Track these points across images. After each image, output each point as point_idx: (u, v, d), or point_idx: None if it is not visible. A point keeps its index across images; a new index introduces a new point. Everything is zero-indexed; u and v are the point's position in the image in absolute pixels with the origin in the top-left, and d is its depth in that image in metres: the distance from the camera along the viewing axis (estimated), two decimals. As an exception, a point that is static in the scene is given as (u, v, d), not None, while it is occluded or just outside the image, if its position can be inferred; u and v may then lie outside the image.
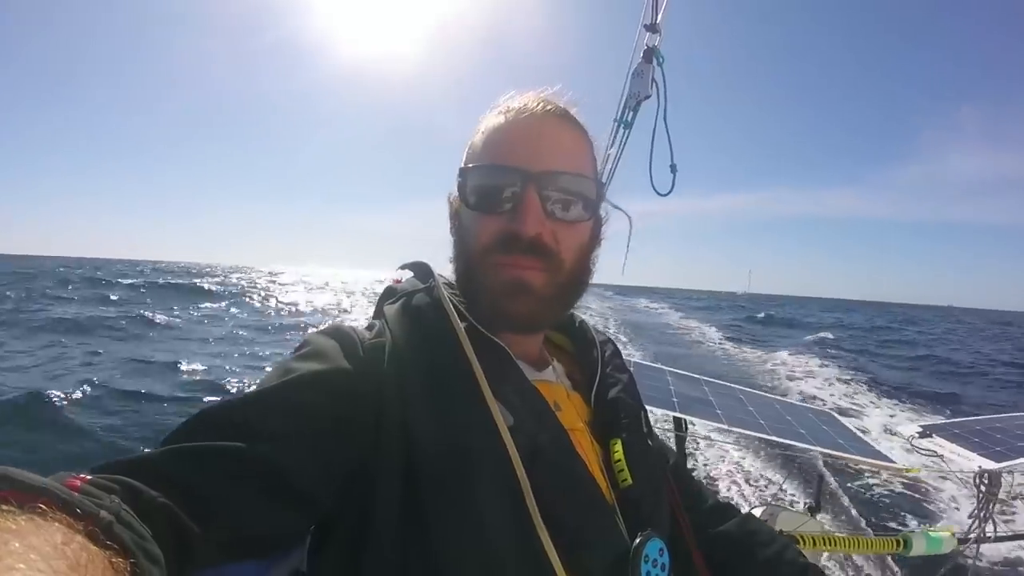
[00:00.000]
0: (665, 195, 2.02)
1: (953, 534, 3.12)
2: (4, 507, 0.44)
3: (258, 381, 0.82)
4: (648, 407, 1.12)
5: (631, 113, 2.13)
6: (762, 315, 52.97)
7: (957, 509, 7.36)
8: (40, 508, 0.46)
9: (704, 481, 7.92)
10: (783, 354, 22.99)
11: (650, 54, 2.09)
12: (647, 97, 2.11)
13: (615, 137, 2.14)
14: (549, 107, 0.94)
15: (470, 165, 0.93)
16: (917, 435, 4.32)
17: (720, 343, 27.14)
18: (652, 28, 2.11)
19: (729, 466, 8.48)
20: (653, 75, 2.08)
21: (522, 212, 0.87)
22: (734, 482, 7.97)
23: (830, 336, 33.07)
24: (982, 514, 3.48)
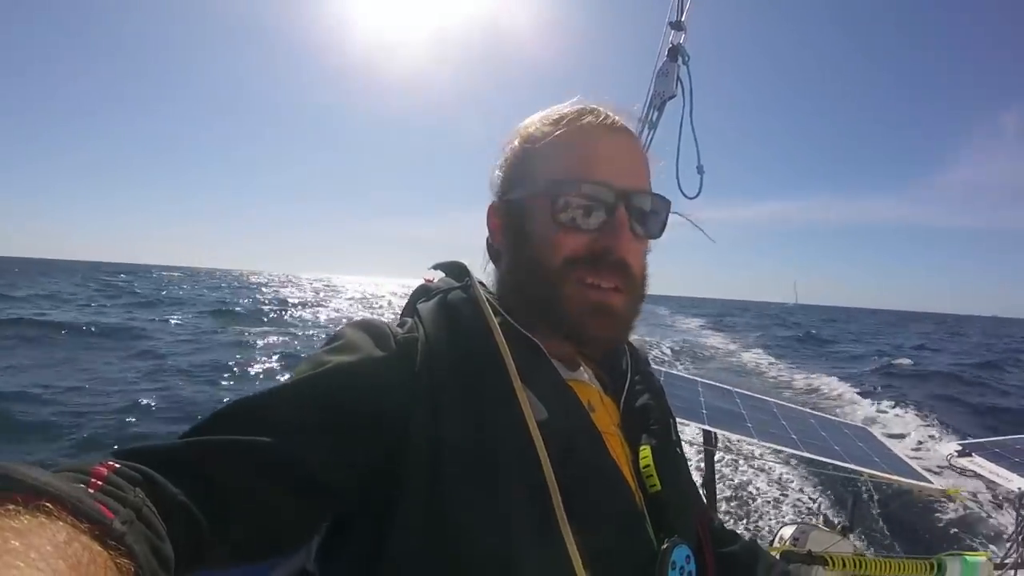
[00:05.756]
0: (692, 198, 1.96)
1: (990, 559, 2.99)
2: (10, 506, 0.44)
3: (289, 374, 0.82)
4: (676, 418, 1.12)
5: (656, 113, 2.09)
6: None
7: (995, 533, 7.13)
8: (46, 506, 0.45)
9: (733, 496, 7.79)
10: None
11: (675, 52, 2.05)
12: (672, 97, 2.07)
13: (640, 138, 2.09)
14: (618, 123, 0.95)
15: (557, 176, 0.91)
16: (956, 454, 4.18)
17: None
18: (677, 26, 2.07)
19: (760, 482, 8.34)
20: (678, 74, 2.04)
21: (616, 230, 0.88)
22: (765, 498, 7.82)
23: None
24: (1021, 538, 3.36)
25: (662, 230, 0.97)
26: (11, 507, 0.44)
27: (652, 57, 2.09)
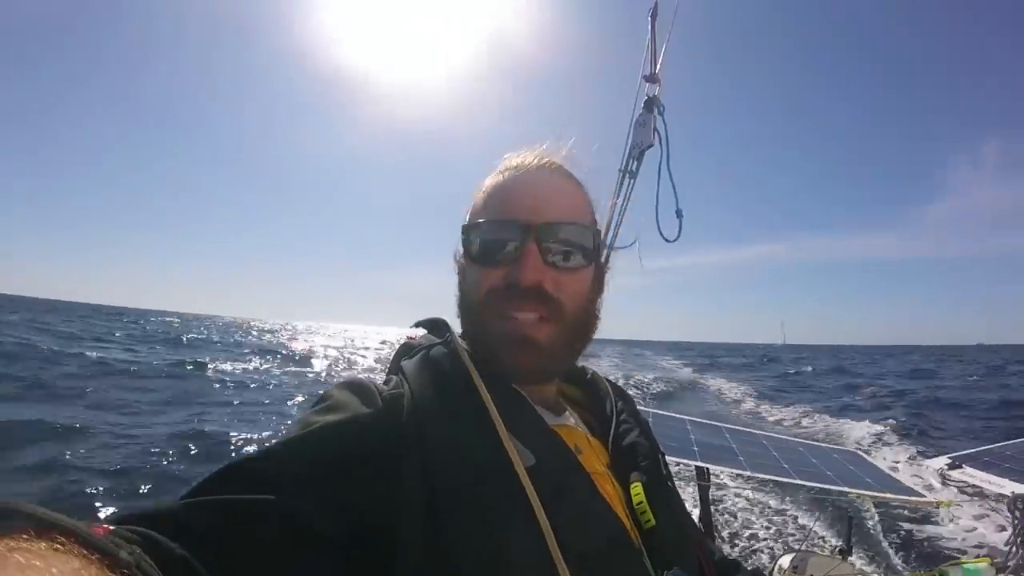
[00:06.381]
0: (673, 241, 2.03)
1: (991, 563, 3.04)
2: (23, 536, 0.45)
3: (279, 436, 0.84)
4: (669, 457, 1.13)
5: (635, 163, 2.17)
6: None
7: (993, 539, 7.15)
8: (59, 539, 0.46)
9: (730, 529, 7.74)
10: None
11: (651, 104, 2.14)
12: (650, 146, 2.15)
13: (620, 187, 2.17)
14: (544, 161, 1.00)
15: (473, 221, 0.98)
16: (947, 466, 4.25)
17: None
18: (651, 79, 2.17)
19: (755, 513, 8.29)
20: (655, 124, 2.13)
21: (521, 261, 0.91)
22: (762, 529, 7.77)
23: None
24: (1019, 540, 3.41)
25: (590, 258, 0.98)
26: (25, 537, 0.45)
27: (630, 103, 2.19)
